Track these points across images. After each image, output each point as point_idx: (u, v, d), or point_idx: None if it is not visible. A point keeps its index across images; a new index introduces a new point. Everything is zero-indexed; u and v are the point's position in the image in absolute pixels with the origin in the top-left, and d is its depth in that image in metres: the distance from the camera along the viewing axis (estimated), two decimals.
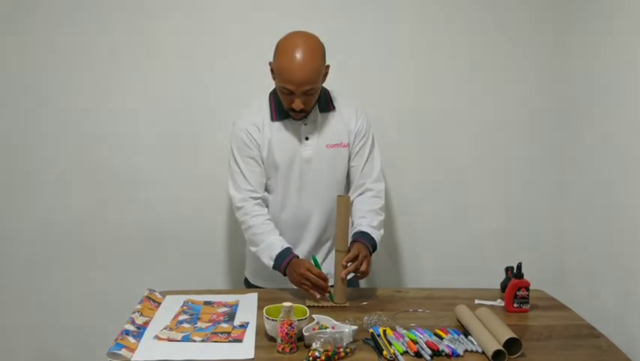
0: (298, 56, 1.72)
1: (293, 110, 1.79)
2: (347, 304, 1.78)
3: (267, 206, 1.92)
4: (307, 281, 1.75)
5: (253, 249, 1.87)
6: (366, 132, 1.93)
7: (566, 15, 2.19)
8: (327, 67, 1.82)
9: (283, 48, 1.76)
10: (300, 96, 1.75)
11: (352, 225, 1.90)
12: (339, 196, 1.79)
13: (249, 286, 2.05)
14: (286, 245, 1.83)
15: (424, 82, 2.26)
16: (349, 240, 1.83)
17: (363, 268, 1.76)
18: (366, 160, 1.93)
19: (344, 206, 1.77)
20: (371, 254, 1.83)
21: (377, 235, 1.88)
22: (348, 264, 1.76)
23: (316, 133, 1.89)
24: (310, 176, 1.89)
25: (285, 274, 1.81)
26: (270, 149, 1.86)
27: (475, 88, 2.27)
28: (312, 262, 1.82)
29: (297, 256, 1.82)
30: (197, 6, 2.17)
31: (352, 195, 1.94)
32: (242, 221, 1.89)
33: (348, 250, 1.78)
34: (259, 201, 1.88)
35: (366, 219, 1.88)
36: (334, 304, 1.77)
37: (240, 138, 1.87)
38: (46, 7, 2.14)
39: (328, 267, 1.86)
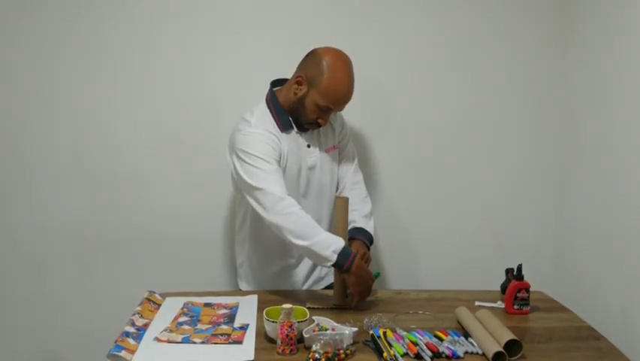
0: (349, 79, 1.78)
1: (317, 124, 1.82)
2: (346, 306, 1.77)
3: None
4: (368, 289, 1.75)
5: (304, 243, 1.67)
6: (343, 127, 2.00)
7: (566, 15, 2.19)
8: None
9: (336, 69, 1.75)
10: (331, 113, 1.81)
11: None
12: (337, 197, 1.80)
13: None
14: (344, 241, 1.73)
15: (423, 82, 2.26)
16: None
17: None
18: (346, 153, 1.99)
19: (342, 207, 1.76)
20: (369, 247, 1.86)
21: (371, 225, 1.92)
22: None
23: (315, 139, 1.90)
24: (314, 182, 1.90)
25: (346, 271, 1.69)
26: (287, 159, 1.84)
27: (475, 88, 2.27)
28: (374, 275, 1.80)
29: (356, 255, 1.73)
30: (197, 7, 2.16)
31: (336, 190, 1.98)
32: (288, 213, 1.69)
33: None
34: None
35: (357, 211, 1.92)
36: (334, 306, 1.77)
37: (264, 143, 1.77)
38: (46, 7, 2.13)
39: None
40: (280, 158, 1.80)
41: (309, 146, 1.88)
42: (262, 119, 1.82)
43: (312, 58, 1.78)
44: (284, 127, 1.83)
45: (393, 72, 2.25)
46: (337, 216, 1.77)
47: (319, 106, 1.77)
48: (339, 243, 1.69)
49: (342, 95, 1.77)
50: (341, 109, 1.83)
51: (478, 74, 2.26)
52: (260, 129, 1.79)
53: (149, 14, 2.16)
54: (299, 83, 1.79)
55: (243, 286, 2.03)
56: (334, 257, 1.67)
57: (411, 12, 2.22)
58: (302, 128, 1.86)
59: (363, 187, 2.01)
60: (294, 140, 1.86)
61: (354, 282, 1.71)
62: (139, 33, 2.17)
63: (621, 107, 1.85)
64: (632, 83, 1.78)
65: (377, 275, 1.81)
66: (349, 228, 1.87)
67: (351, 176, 1.98)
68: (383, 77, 2.24)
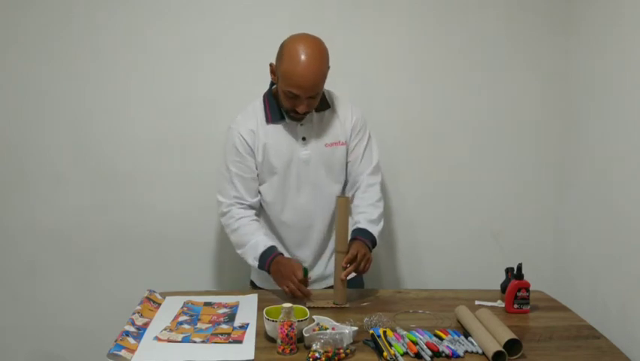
0: (307, 61, 1.71)
1: (296, 112, 1.79)
2: (347, 305, 1.77)
3: (266, 211, 1.92)
4: (290, 284, 1.74)
5: (239, 251, 1.88)
6: (361, 127, 1.93)
7: (566, 15, 2.19)
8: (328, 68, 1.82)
9: (291, 52, 1.73)
10: (305, 100, 1.75)
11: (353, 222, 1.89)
12: (338, 197, 1.78)
13: (254, 288, 2.03)
14: (270, 244, 1.83)
15: (425, 83, 2.26)
16: (349, 238, 1.83)
17: (361, 267, 1.76)
18: (363, 155, 1.93)
19: (343, 206, 1.76)
20: (371, 250, 1.83)
21: (376, 229, 1.87)
22: (348, 265, 1.76)
23: (313, 133, 1.88)
24: (309, 176, 1.88)
25: (269, 272, 1.81)
26: (266, 153, 1.85)
27: (476, 89, 2.27)
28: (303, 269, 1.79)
29: (282, 254, 1.83)
30: (196, 7, 2.17)
31: (350, 191, 1.94)
32: (227, 225, 1.89)
33: (348, 250, 1.78)
34: (245, 206, 1.88)
35: (365, 214, 1.88)
36: (334, 305, 1.77)
37: (232, 144, 1.86)
38: (46, 7, 2.14)
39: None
40: (254, 154, 1.86)
41: (304, 139, 1.87)
42: (249, 113, 1.88)
43: (280, 46, 1.79)
44: (273, 119, 1.85)
45: (394, 72, 2.24)
46: (337, 216, 1.77)
47: (285, 92, 1.76)
48: (258, 250, 1.82)
49: (299, 78, 1.71)
50: (307, 93, 1.73)
51: (478, 75, 2.26)
52: (239, 126, 1.86)
53: (149, 14, 2.17)
54: (272, 73, 1.82)
55: (253, 275, 2.05)
56: (256, 263, 1.83)
57: (410, 12, 2.22)
58: (293, 119, 1.85)
59: (376, 190, 1.93)
60: (283, 132, 1.86)
61: (276, 280, 1.80)
62: (138, 33, 2.18)
63: (621, 108, 1.85)
64: (632, 83, 1.78)
65: (305, 270, 1.79)
66: (353, 228, 1.86)
67: (366, 178, 1.92)
68: (383, 76, 2.24)
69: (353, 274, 1.78)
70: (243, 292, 1.90)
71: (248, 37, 2.18)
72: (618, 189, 1.85)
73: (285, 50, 1.75)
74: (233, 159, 1.87)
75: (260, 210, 1.95)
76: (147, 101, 2.22)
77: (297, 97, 1.75)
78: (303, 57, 1.71)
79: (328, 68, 1.79)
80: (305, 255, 1.93)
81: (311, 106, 1.79)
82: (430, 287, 2.02)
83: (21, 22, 2.14)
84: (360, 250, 1.77)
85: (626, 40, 1.82)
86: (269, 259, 1.80)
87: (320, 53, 1.75)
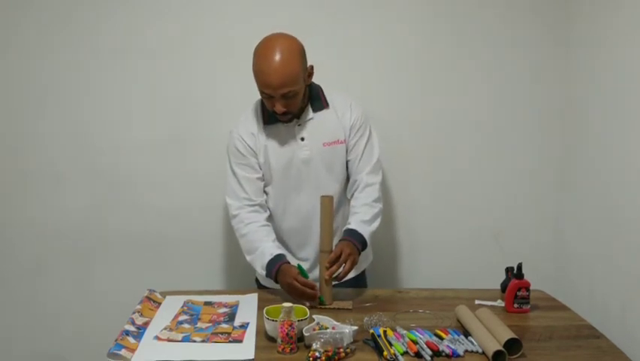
0: (272, 59, 1.70)
1: (277, 113, 1.78)
2: (333, 305, 1.76)
3: (269, 211, 1.91)
4: (295, 291, 1.73)
5: (248, 258, 1.86)
6: (361, 125, 1.90)
7: (566, 15, 2.19)
8: (311, 67, 1.80)
9: (258, 52, 1.74)
10: (280, 99, 1.73)
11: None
12: (321, 197, 1.76)
13: (260, 287, 2.03)
14: (276, 252, 1.80)
15: (425, 82, 2.26)
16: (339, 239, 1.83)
17: (344, 269, 1.74)
18: (362, 154, 1.90)
19: (326, 206, 1.75)
20: (360, 251, 1.81)
21: (367, 230, 1.84)
22: (335, 266, 1.74)
23: (312, 132, 1.87)
24: (310, 176, 1.88)
25: (277, 282, 1.79)
26: (266, 154, 1.85)
27: (476, 88, 2.27)
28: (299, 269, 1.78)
29: (288, 262, 1.79)
30: (196, 7, 2.17)
31: (349, 191, 1.93)
32: (236, 229, 1.88)
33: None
34: (255, 208, 1.87)
35: (358, 214, 1.86)
36: (323, 306, 1.75)
37: (234, 146, 1.87)
38: (46, 7, 2.14)
39: None
40: (256, 155, 1.86)
41: (303, 139, 1.86)
42: (249, 115, 1.90)
43: None
44: (269, 120, 1.85)
45: (394, 72, 2.24)
46: (321, 215, 1.75)
47: (260, 93, 1.77)
48: (266, 258, 1.79)
49: (266, 76, 1.70)
50: (277, 91, 1.71)
51: (478, 74, 2.25)
52: (238, 130, 1.88)
53: (149, 14, 2.17)
54: None
55: (257, 274, 2.03)
56: (264, 272, 1.81)
57: (412, 12, 2.22)
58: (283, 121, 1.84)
59: (375, 190, 1.90)
60: (282, 133, 1.86)
61: (284, 289, 1.77)
62: (138, 33, 2.18)
63: (621, 109, 1.85)
64: (632, 83, 1.77)
65: (299, 267, 1.78)
66: (344, 228, 1.86)
67: (365, 177, 1.89)
68: (384, 78, 2.24)
69: (350, 276, 1.78)
70: (243, 292, 1.90)
71: (248, 37, 2.17)
72: (618, 189, 1.85)
73: (255, 50, 1.76)
74: (237, 162, 1.87)
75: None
76: (147, 100, 2.22)
77: (272, 97, 1.74)
78: (268, 55, 1.71)
79: (304, 66, 1.77)
80: (307, 255, 1.93)
81: (289, 106, 1.77)
82: (430, 287, 2.02)
83: (21, 22, 2.14)
84: (345, 250, 1.76)
85: (626, 39, 1.82)
86: (274, 269, 1.77)
87: (287, 51, 1.73)
